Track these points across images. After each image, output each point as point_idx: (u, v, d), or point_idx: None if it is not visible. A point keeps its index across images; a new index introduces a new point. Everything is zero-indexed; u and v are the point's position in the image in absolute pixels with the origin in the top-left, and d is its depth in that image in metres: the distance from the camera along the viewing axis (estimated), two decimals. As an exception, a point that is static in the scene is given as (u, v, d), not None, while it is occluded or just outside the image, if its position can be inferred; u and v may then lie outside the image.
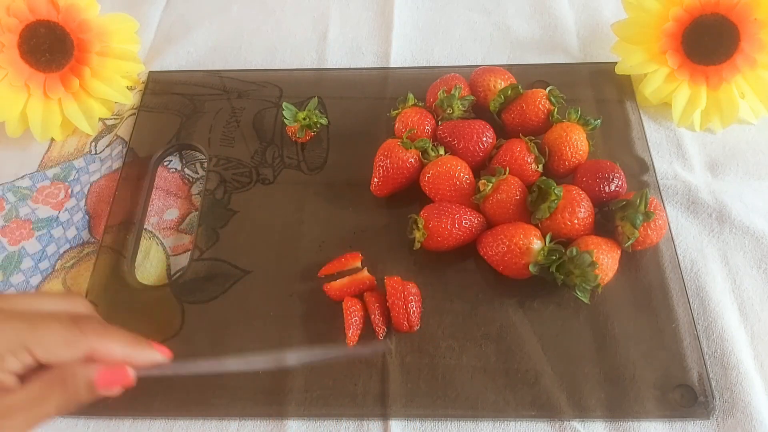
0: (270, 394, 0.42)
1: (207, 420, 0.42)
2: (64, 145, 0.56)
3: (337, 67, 0.61)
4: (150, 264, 0.49)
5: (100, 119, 0.58)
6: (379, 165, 0.48)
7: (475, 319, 0.44)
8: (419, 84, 0.54)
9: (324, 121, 0.54)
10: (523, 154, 0.47)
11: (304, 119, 0.53)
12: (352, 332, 0.43)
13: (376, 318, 0.43)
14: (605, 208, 0.46)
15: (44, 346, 0.31)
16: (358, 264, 0.46)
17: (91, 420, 0.42)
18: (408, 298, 0.43)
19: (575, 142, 0.47)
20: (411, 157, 0.48)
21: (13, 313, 0.32)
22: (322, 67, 0.61)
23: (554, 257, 0.43)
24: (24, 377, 0.32)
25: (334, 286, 0.45)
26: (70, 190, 0.53)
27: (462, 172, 0.47)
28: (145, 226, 0.51)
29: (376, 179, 0.49)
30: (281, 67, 0.61)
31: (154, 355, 0.36)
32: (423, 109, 0.52)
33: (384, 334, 0.43)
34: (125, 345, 0.34)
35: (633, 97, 0.56)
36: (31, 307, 0.34)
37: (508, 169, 0.46)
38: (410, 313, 0.43)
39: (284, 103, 0.53)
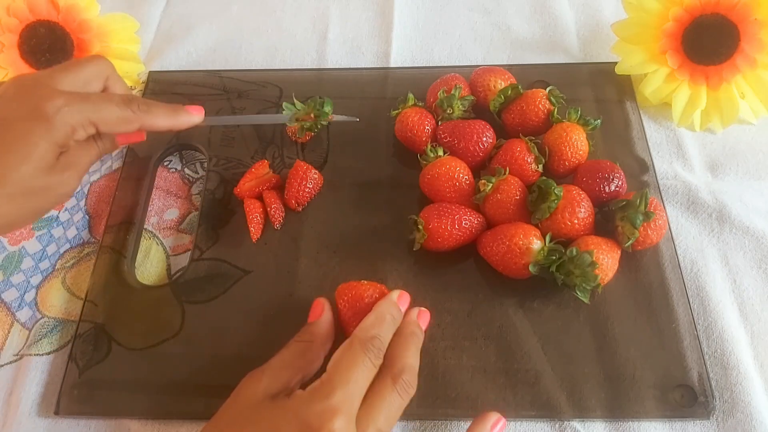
0: (270, 394, 0.42)
1: (207, 421, 0.42)
2: (64, 144, 0.57)
3: (337, 67, 0.61)
4: (150, 264, 0.49)
5: (100, 119, 0.58)
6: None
7: (475, 319, 0.44)
8: (419, 84, 0.54)
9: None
10: (523, 154, 0.47)
11: (305, 119, 0.53)
12: (254, 228, 0.48)
13: (272, 210, 0.49)
14: (605, 208, 0.46)
15: (107, 123, 0.39)
16: (267, 169, 0.51)
17: (92, 420, 0.42)
18: (305, 178, 0.48)
19: (575, 142, 0.47)
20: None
21: (75, 95, 0.39)
22: (322, 67, 0.61)
23: (554, 257, 0.42)
24: None
25: (243, 188, 0.50)
26: (70, 190, 0.53)
27: (461, 172, 0.47)
28: (145, 226, 0.51)
29: None
30: (281, 67, 0.61)
31: (191, 119, 0.44)
32: (423, 109, 0.52)
33: (280, 223, 0.49)
34: (167, 117, 0.42)
35: (633, 97, 0.56)
36: (75, 83, 0.40)
37: (508, 169, 0.46)
38: (301, 189, 0.48)
39: (284, 103, 0.53)
